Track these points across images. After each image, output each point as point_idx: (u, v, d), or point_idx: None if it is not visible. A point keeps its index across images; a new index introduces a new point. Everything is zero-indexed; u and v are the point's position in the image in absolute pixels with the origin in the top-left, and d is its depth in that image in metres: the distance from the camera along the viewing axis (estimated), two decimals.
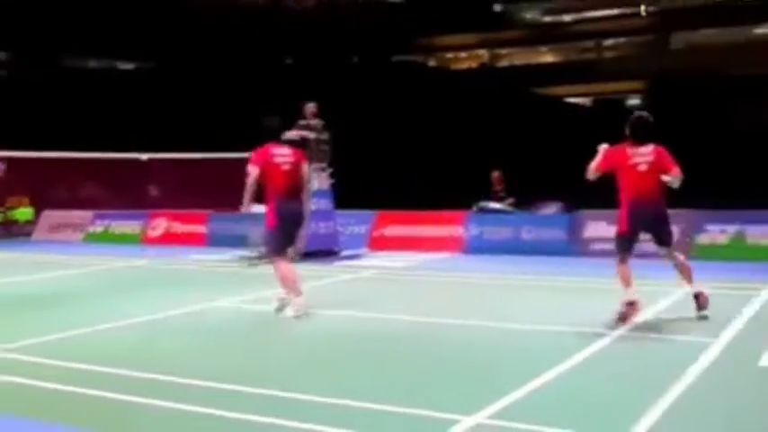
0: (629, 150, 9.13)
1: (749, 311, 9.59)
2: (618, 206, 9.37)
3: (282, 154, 10.00)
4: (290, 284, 9.87)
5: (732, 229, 14.97)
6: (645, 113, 9.42)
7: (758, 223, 14.89)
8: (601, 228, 15.99)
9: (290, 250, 15.50)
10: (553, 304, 10.79)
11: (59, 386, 6.94)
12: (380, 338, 8.89)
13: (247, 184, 9.79)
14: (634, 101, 52.61)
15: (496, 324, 9.40)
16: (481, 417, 5.83)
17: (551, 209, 17.43)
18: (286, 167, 9.95)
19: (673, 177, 8.99)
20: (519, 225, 16.85)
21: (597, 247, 15.98)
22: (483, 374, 7.17)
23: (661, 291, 10.86)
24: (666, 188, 9.16)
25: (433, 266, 15.09)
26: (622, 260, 9.28)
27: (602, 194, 17.98)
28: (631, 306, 9.08)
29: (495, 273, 13.82)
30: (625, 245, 9.32)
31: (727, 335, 8.37)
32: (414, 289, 12.50)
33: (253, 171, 9.75)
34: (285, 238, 10.01)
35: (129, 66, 51.32)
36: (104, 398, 6.57)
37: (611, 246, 15.60)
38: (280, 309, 10.09)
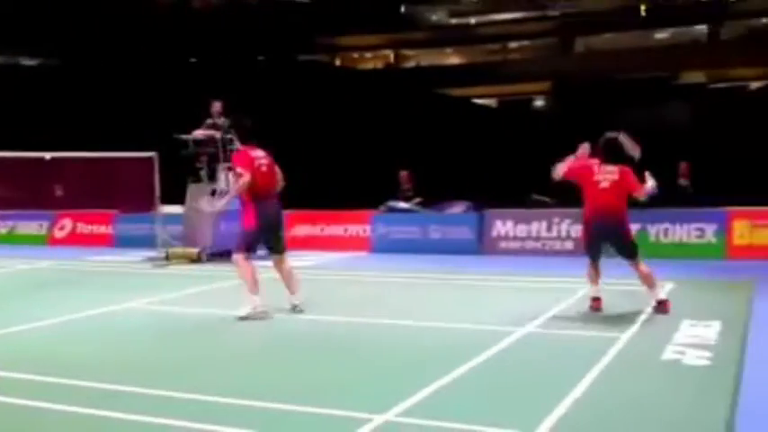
0: (596, 168, 9.62)
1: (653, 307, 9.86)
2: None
3: (259, 156, 9.92)
4: (253, 283, 9.79)
5: (634, 227, 15.35)
6: (618, 136, 9.89)
7: (657, 222, 15.36)
8: (508, 226, 16.33)
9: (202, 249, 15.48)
10: (462, 302, 10.95)
11: None
12: (289, 338, 8.91)
13: (238, 189, 9.69)
14: (539, 102, 53.52)
15: (405, 322, 9.50)
16: (391, 414, 5.88)
17: (458, 208, 17.65)
18: (263, 169, 9.89)
19: (639, 195, 9.60)
20: (426, 224, 17.05)
21: (504, 245, 16.31)
22: (393, 373, 7.24)
23: (569, 287, 11.13)
24: (627, 206, 9.68)
25: (341, 266, 15.17)
26: (592, 263, 9.89)
27: (507, 194, 18.36)
28: (597, 301, 9.85)
29: (402, 272, 13.93)
30: (590, 251, 9.88)
31: (633, 330, 8.64)
32: (322, 288, 12.52)
33: (245, 176, 9.61)
34: (260, 238, 9.97)
35: (32, 62, 50.12)
36: (6, 403, 6.42)
37: (518, 244, 16.12)
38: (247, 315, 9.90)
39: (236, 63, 43.77)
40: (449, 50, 58.77)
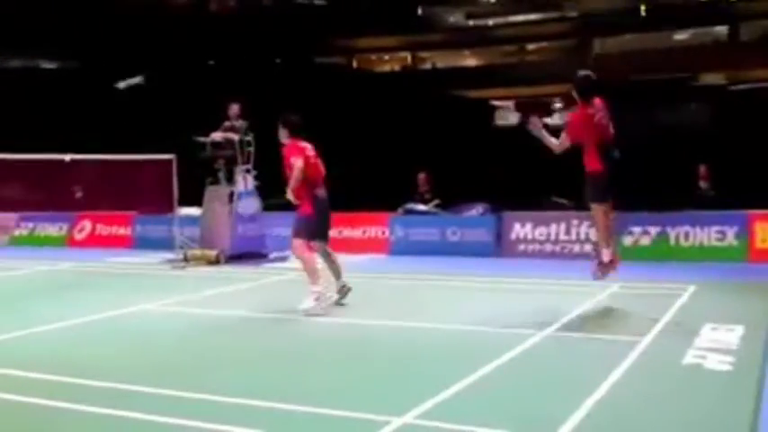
0: (589, 110, 9.64)
1: (674, 311, 9.80)
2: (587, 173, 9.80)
3: (309, 147, 10.29)
4: (315, 271, 9.98)
5: (654, 230, 15.33)
6: (587, 71, 10.06)
7: (677, 225, 15.28)
8: (526, 229, 16.26)
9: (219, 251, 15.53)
10: (481, 305, 10.90)
11: None
12: (309, 341, 8.89)
13: (294, 177, 9.93)
14: (558, 104, 53.28)
15: (424, 325, 9.47)
16: (410, 417, 5.84)
17: (477, 210, 17.57)
18: (313, 160, 10.23)
19: None
20: (444, 226, 16.97)
21: (522, 248, 16.24)
22: (411, 375, 7.20)
23: (589, 291, 11.06)
24: None
25: (359, 268, 15.07)
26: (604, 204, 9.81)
27: (526, 197, 18.27)
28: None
29: (421, 274, 13.90)
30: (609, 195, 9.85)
31: (653, 334, 8.56)
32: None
33: (298, 162, 9.92)
34: (318, 225, 10.20)
35: (51, 65, 50.37)
36: (25, 403, 6.46)
37: (536, 246, 16.04)
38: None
39: (254, 66, 43.85)
40: (466, 52, 58.70)
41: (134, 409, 6.15)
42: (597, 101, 9.75)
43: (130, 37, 45.67)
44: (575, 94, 9.83)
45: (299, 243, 10.12)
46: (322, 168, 10.44)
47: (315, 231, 10.21)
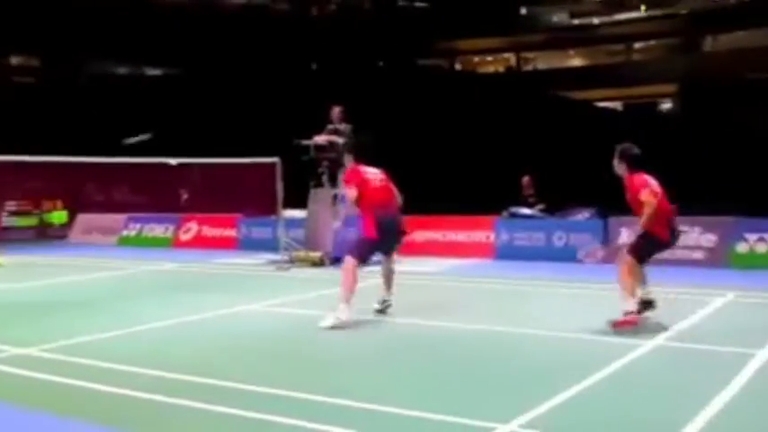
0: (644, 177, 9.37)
1: None
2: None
3: (372, 172, 10.19)
4: (350, 292, 9.77)
5: (753, 238, 14.76)
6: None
7: None
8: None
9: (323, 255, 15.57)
10: (588, 311, 10.63)
11: (96, 386, 6.98)
12: (414, 344, 8.81)
13: (346, 204, 10.05)
14: (666, 105, 52.18)
15: (529, 331, 9.29)
16: (515, 425, 5.73)
17: (583, 214, 17.21)
18: (376, 184, 10.13)
19: None
20: (550, 231, 16.69)
21: None
22: (516, 382, 7.08)
23: (700, 299, 10.72)
24: None
25: (463, 272, 14.98)
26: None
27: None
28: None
29: (526, 279, 13.68)
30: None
31: None
32: (444, 295, 12.40)
33: (351, 193, 9.97)
34: (376, 249, 10.13)
35: (156, 72, 51.56)
36: (139, 398, 6.62)
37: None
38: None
39: (357, 69, 44.06)
40: (571, 52, 58.00)
41: (230, 406, 6.29)
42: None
43: (233, 42, 46.45)
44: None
45: (349, 260, 9.87)
46: (392, 193, 10.29)
47: (368, 255, 10.07)
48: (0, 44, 43.17)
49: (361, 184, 9.97)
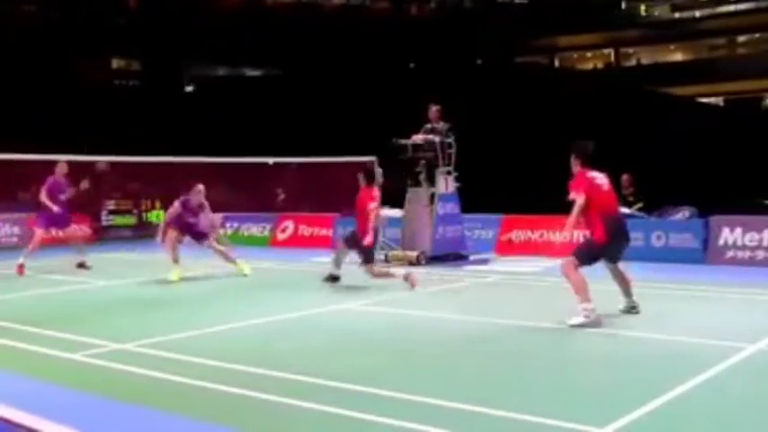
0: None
1: None
2: None
3: (599, 176, 10.18)
4: (583, 291, 9.80)
5: None
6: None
7: None
8: (736, 234, 15.45)
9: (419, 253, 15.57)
10: (688, 314, 10.47)
11: (197, 382, 7.16)
12: (514, 345, 8.78)
13: (575, 212, 9.86)
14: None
15: (627, 333, 9.18)
16: (610, 429, 5.68)
17: (683, 214, 16.85)
18: (604, 189, 10.11)
19: None
20: (649, 231, 16.38)
21: (731, 254, 15.45)
22: (613, 385, 6.99)
23: None
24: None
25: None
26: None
27: (736, 199, 17.37)
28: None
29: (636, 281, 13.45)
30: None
31: None
32: (543, 295, 12.31)
33: (580, 199, 9.86)
34: (606, 253, 10.06)
35: (255, 72, 52.32)
36: (242, 396, 6.75)
37: (747, 254, 15.22)
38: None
39: (455, 67, 43.97)
40: (672, 47, 56.91)
41: (324, 403, 6.40)
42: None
43: (331, 43, 46.85)
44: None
45: (572, 261, 9.91)
46: (614, 196, 10.34)
47: (596, 258, 10.00)
48: (102, 48, 44.40)
49: (591, 189, 9.89)
